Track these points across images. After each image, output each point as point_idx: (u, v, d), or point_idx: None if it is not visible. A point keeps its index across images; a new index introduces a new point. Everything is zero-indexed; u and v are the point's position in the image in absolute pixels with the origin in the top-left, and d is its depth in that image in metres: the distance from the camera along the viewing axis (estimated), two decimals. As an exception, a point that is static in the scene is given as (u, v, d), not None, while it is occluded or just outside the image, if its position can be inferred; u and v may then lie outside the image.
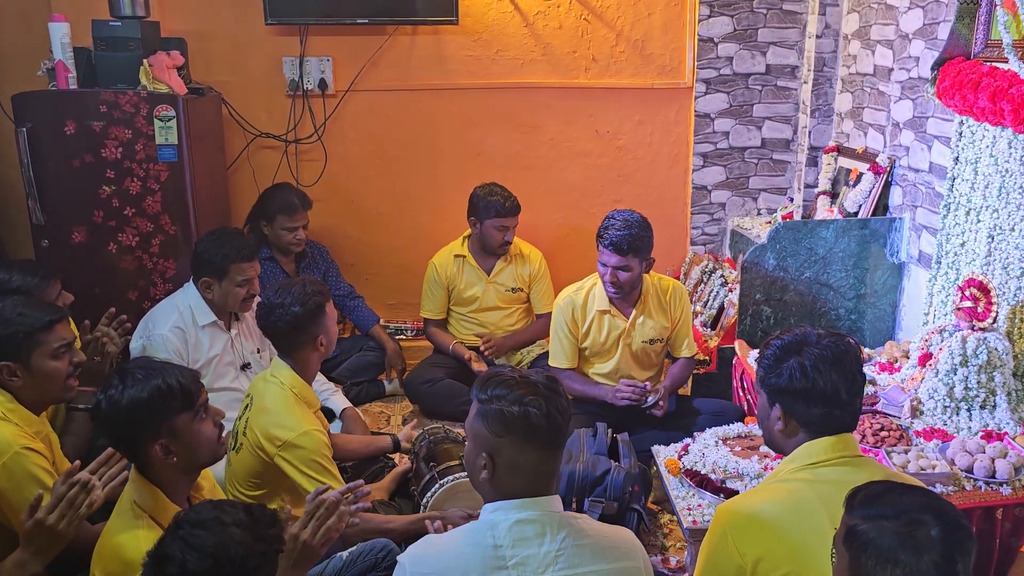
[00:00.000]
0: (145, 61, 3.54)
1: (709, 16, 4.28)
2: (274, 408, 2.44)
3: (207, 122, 3.92)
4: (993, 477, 2.45)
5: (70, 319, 2.53)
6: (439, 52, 4.26)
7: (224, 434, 2.02)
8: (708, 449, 2.83)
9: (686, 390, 3.61)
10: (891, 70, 3.67)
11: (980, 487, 2.45)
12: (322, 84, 4.22)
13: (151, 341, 3.00)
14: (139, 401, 1.83)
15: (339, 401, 3.35)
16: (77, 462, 2.06)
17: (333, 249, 4.25)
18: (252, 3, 4.01)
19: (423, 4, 4.09)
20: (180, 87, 3.60)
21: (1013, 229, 2.86)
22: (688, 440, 2.95)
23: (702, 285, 4.29)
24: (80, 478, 1.88)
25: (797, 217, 4.15)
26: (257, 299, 2.85)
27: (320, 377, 3.37)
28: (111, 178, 3.54)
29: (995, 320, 2.80)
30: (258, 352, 3.26)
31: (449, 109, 4.34)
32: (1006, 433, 2.66)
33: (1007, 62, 2.78)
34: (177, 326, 3.04)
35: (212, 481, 2.17)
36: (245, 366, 3.19)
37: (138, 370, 1.89)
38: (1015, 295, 2.87)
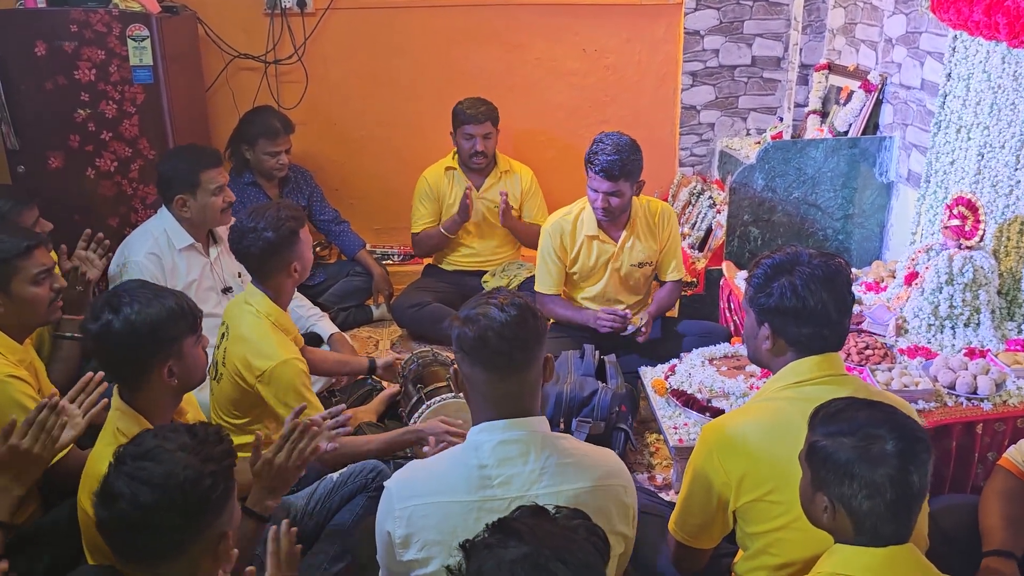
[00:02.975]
0: (116, -22, 3.42)
1: (699, -72, 4.15)
2: (251, 337, 2.40)
3: (183, 42, 3.80)
4: (975, 393, 2.48)
5: (50, 246, 2.49)
6: (421, -33, 4.13)
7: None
8: (694, 369, 2.86)
9: (673, 312, 3.62)
10: (885, -17, 3.58)
11: (962, 403, 2.48)
12: (301, 2, 4.08)
13: (127, 267, 2.95)
14: (158, 321, 1.82)
15: (326, 327, 3.34)
16: (54, 392, 2.05)
17: (317, 173, 4.18)
18: (225, -85, 3.88)
19: (403, -84, 3.96)
20: (153, 5, 3.47)
21: (1003, 146, 2.83)
22: (675, 361, 2.97)
23: (690, 207, 4.27)
24: (50, 403, 1.86)
25: (786, 137, 4.10)
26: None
27: (306, 303, 3.36)
28: (86, 101, 3.45)
29: (982, 238, 2.80)
30: (239, 276, 3.20)
31: (431, 27, 4.22)
32: (989, 350, 2.69)
33: (1004, -27, 2.70)
34: (152, 252, 2.97)
35: (195, 406, 2.17)
36: (226, 290, 3.13)
37: (139, 291, 1.87)
38: (1003, 213, 2.86)
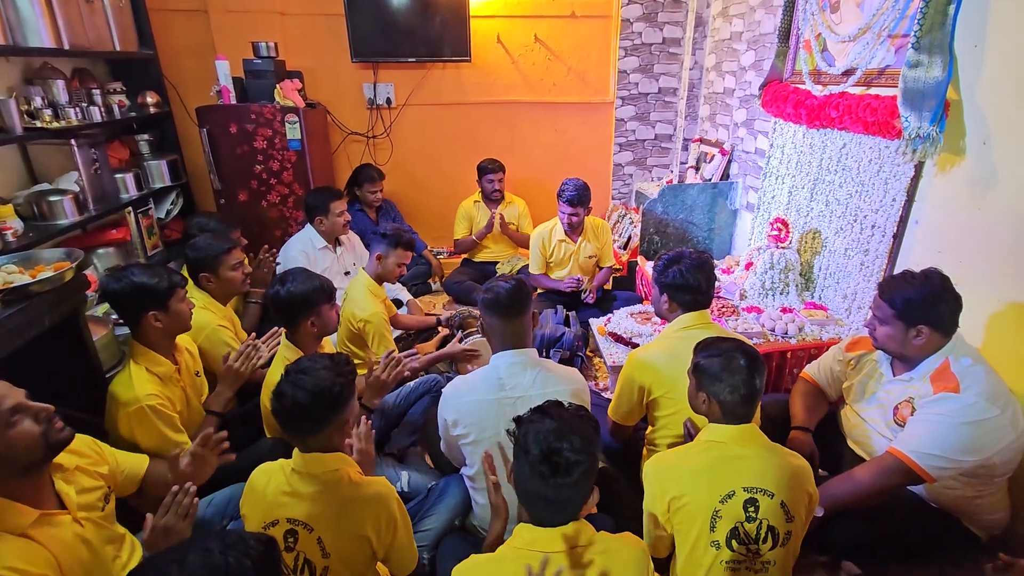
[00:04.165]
0: (278, 85, 3.34)
1: (625, 56, 4.04)
2: (356, 298, 2.38)
3: (318, 124, 3.73)
4: (786, 334, 2.47)
5: (241, 249, 2.45)
6: (459, 79, 4.04)
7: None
8: (622, 319, 2.83)
9: (608, 286, 3.59)
10: (734, 90, 3.50)
11: (779, 339, 2.47)
12: (388, 101, 4.01)
13: (286, 259, 2.92)
14: (307, 293, 1.80)
15: (405, 295, 3.31)
16: (253, 334, 2.04)
17: (398, 203, 4.13)
18: (343, 48, 3.78)
19: (448, 48, 3.85)
20: (300, 102, 3.41)
21: (803, 188, 2.79)
22: (610, 314, 2.95)
23: (618, 223, 4.21)
24: (253, 343, 1.86)
25: (675, 182, 4.02)
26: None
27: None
28: (260, 160, 3.39)
29: (791, 242, 2.77)
30: (354, 265, 3.19)
31: (467, 116, 4.15)
32: (794, 309, 2.67)
33: (804, 84, 2.65)
34: (302, 250, 2.94)
35: (330, 343, 2.15)
36: (346, 273, 3.12)
37: (299, 274, 1.85)
38: (802, 227, 2.82)
